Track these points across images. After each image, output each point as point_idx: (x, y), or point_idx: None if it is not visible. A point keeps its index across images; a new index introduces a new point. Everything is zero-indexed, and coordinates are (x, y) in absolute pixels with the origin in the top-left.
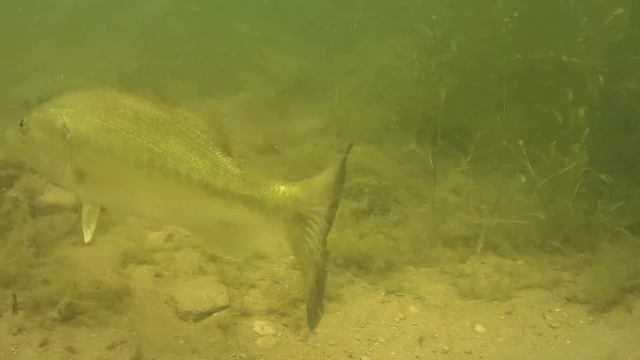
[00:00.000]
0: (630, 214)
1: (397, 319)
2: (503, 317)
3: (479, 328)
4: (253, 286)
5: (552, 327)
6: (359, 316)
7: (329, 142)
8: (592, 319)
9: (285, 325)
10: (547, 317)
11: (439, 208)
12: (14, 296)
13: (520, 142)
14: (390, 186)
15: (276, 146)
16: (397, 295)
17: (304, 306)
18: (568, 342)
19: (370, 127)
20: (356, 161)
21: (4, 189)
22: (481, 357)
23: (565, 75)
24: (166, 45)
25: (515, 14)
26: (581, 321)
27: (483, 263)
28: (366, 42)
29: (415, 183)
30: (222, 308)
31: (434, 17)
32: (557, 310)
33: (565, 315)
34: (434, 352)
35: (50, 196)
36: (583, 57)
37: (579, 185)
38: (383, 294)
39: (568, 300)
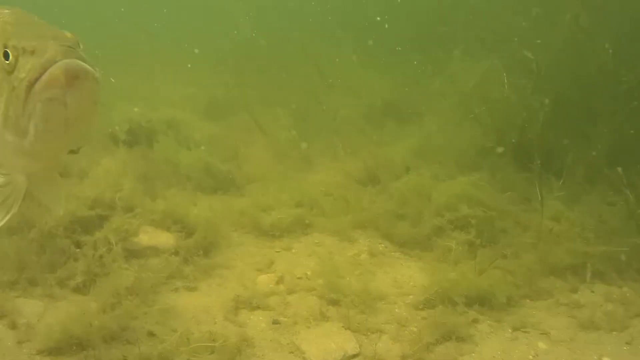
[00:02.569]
0: None
1: (531, 357)
2: (625, 348)
3: None
4: (381, 331)
5: None
6: (493, 356)
7: (431, 170)
8: None
9: None
10: None
11: (545, 237)
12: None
13: (619, 169)
14: (496, 216)
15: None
16: (523, 331)
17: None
18: None
19: (466, 152)
20: (460, 191)
21: (95, 231)
22: None
23: None
24: (252, 68)
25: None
26: None
27: (592, 292)
28: (456, 61)
29: (516, 211)
30: (354, 357)
31: (538, 41)
32: None
33: None
34: None
35: (146, 238)
36: None
37: None
38: (510, 331)
39: None
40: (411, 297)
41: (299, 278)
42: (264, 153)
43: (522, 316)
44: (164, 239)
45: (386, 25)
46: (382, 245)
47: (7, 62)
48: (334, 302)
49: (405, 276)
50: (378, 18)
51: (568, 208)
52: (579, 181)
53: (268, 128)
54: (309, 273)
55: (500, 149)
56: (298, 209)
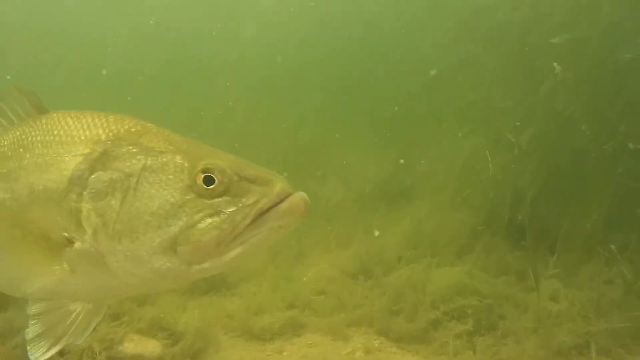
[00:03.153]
0: None
1: None
2: None
3: None
4: None
5: None
6: None
7: (424, 262)
8: None
9: None
10: None
11: (544, 319)
12: None
13: (613, 247)
14: (492, 303)
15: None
16: None
17: None
18: None
19: (457, 236)
20: (454, 281)
21: None
22: None
23: None
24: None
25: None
26: None
27: None
28: (441, 139)
29: (513, 293)
30: None
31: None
32: None
33: None
34: None
35: (131, 346)
36: None
37: None
38: None
39: None
40: None
41: None
42: None
43: None
44: (151, 347)
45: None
46: (378, 341)
47: (209, 187)
48: None
49: None
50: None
51: (565, 285)
52: (574, 256)
53: None
54: None
55: (491, 230)
56: (290, 310)
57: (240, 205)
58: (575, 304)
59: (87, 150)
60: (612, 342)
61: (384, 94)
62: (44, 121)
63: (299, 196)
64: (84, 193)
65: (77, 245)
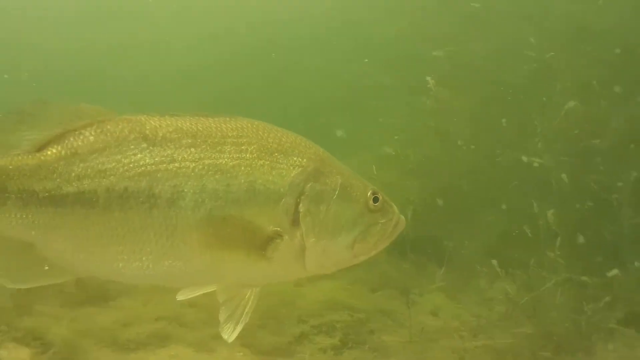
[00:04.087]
0: (620, 306)
1: None
2: None
3: None
4: None
5: None
6: None
7: None
8: None
9: None
10: None
11: (417, 335)
12: None
13: (494, 261)
14: (364, 318)
15: None
16: None
17: None
18: None
19: None
20: (326, 298)
21: None
22: None
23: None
24: None
25: None
26: None
27: None
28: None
29: (392, 307)
30: None
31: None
32: None
33: None
34: None
35: (5, 354)
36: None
37: (560, 292)
38: None
39: None
40: None
41: None
42: None
43: None
44: (22, 355)
45: None
46: (241, 354)
47: (376, 205)
48: None
49: None
50: None
51: (449, 299)
52: (461, 270)
53: None
54: None
55: None
56: (158, 322)
57: (388, 219)
58: (455, 319)
59: (304, 163)
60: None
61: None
62: (253, 126)
63: (403, 218)
64: (302, 197)
65: (286, 239)
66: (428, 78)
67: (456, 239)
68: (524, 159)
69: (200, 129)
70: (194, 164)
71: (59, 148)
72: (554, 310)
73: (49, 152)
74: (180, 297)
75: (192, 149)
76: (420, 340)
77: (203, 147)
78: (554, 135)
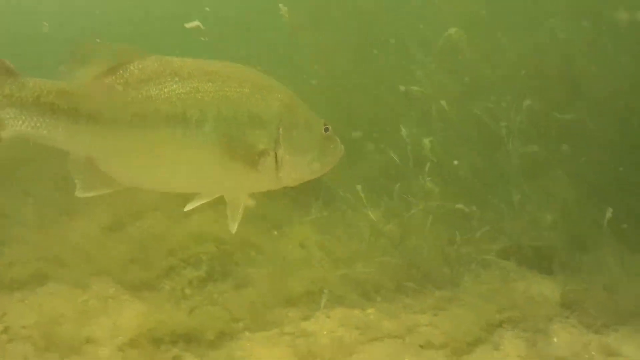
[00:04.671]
0: (501, 238)
1: None
2: None
3: None
4: None
5: None
6: None
7: (170, 211)
8: None
9: None
10: None
11: (280, 265)
12: None
13: (359, 186)
14: (231, 250)
15: None
16: None
17: None
18: None
19: None
20: (195, 230)
21: None
22: None
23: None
24: None
25: None
26: None
27: (329, 317)
28: None
29: (261, 240)
30: None
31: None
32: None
33: None
34: None
35: None
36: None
37: (432, 221)
38: None
39: (422, 347)
40: (120, 338)
41: (23, 327)
42: None
43: (231, 350)
44: None
45: None
46: (113, 289)
47: (326, 133)
48: (46, 349)
49: (125, 318)
50: None
51: (318, 231)
52: (335, 202)
53: None
54: (31, 322)
55: None
56: (38, 262)
57: (334, 145)
58: (321, 250)
59: (283, 99)
60: (351, 289)
61: None
62: (246, 70)
63: (342, 147)
64: (281, 124)
65: (271, 155)
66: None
67: (333, 172)
68: (402, 88)
69: (213, 69)
70: (212, 95)
71: (114, 79)
72: (423, 240)
73: (106, 82)
74: (187, 207)
75: (210, 84)
76: (282, 271)
77: (217, 82)
78: (436, 64)
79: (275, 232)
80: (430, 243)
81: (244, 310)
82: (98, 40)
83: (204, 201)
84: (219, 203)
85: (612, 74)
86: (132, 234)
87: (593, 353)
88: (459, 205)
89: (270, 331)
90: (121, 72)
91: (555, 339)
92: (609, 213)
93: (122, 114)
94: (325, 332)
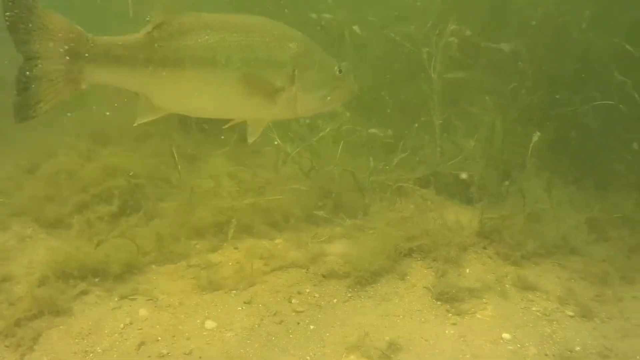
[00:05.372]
0: (421, 167)
1: (122, 326)
2: (240, 308)
3: (209, 324)
4: None
5: (297, 312)
6: (82, 327)
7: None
8: (350, 295)
9: (6, 346)
10: (294, 300)
11: (188, 198)
12: None
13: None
14: (144, 183)
15: None
16: (130, 299)
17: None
18: (312, 327)
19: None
20: (108, 165)
21: None
22: (200, 357)
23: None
24: None
25: None
26: (335, 300)
27: (236, 248)
28: None
29: (174, 174)
30: None
31: None
32: (307, 290)
33: (317, 295)
34: (149, 357)
35: None
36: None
37: (344, 147)
38: (116, 299)
39: (324, 277)
40: (35, 275)
41: None
42: None
43: (137, 283)
44: None
45: None
46: (31, 229)
47: (339, 74)
48: None
49: (40, 256)
50: None
51: (231, 162)
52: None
53: None
54: None
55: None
56: None
57: (346, 84)
58: (232, 180)
59: (298, 46)
60: (259, 219)
61: None
62: (266, 22)
63: (356, 85)
64: (297, 66)
65: (287, 90)
66: None
67: None
68: (314, 15)
69: (238, 22)
70: (237, 43)
71: (160, 32)
72: (334, 167)
73: (155, 35)
74: (226, 126)
75: (235, 34)
76: (191, 203)
77: (241, 33)
78: None
79: (188, 165)
80: (342, 170)
81: (152, 243)
82: None
83: (238, 121)
84: (127, 139)
85: None
86: (48, 172)
87: (507, 286)
88: (373, 130)
89: (177, 263)
90: (166, 26)
91: (467, 270)
92: (535, 137)
93: (167, 60)
94: (230, 264)
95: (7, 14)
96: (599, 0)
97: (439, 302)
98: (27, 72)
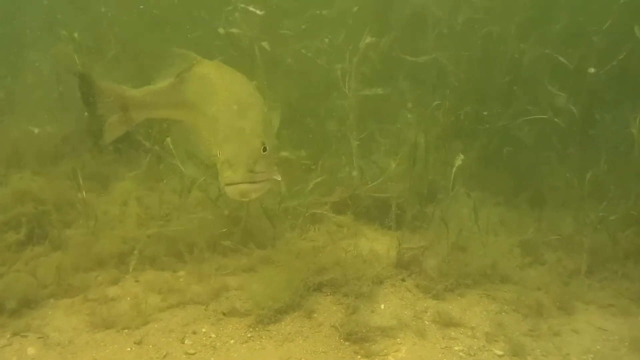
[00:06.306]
0: (337, 189)
1: None
2: (129, 349)
3: None
4: None
5: (189, 354)
6: None
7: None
8: (249, 335)
9: None
10: (187, 341)
11: (94, 225)
12: None
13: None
14: (51, 210)
15: None
16: (22, 336)
17: None
18: None
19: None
20: (15, 190)
21: None
22: None
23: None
24: None
25: None
26: (232, 341)
27: (137, 281)
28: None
29: (88, 199)
30: None
31: None
32: (203, 330)
33: (213, 335)
34: None
35: None
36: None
37: None
38: (8, 336)
39: (225, 314)
40: None
41: None
42: None
43: (31, 319)
44: None
45: None
46: None
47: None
48: None
49: None
50: None
51: (141, 187)
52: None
53: None
54: None
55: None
56: None
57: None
58: (140, 207)
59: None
60: (164, 249)
61: None
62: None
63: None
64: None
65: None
66: None
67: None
68: (221, 30)
69: (224, 88)
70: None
71: (178, 81)
72: None
73: (175, 83)
74: None
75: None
76: (96, 231)
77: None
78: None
79: (100, 188)
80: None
81: (52, 275)
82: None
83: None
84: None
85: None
86: None
87: (426, 322)
88: (284, 154)
89: (75, 297)
90: (182, 76)
91: (382, 306)
92: (459, 160)
93: (182, 102)
94: (128, 298)
95: (81, 89)
96: (525, 9)
97: (347, 343)
98: (97, 123)
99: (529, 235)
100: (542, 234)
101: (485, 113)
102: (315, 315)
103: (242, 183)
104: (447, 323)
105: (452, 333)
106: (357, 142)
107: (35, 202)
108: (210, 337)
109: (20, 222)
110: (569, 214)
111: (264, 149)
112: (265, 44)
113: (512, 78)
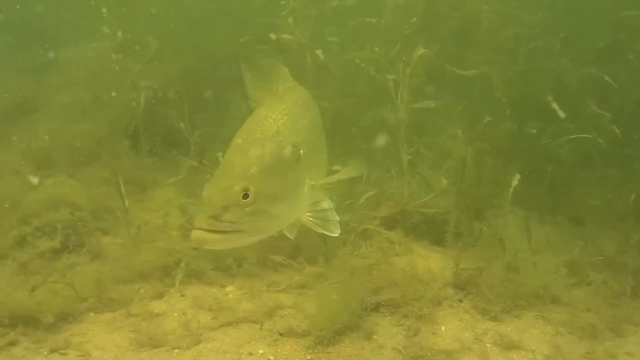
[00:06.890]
0: (387, 204)
1: None
2: None
3: None
4: None
5: None
6: None
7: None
8: (309, 357)
9: None
10: None
11: (137, 234)
12: None
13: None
14: (88, 216)
15: None
16: (61, 353)
17: None
18: None
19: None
20: (49, 195)
21: None
22: None
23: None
24: None
25: None
26: None
27: (183, 296)
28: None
29: (119, 205)
30: None
31: None
32: (261, 351)
33: (271, 357)
34: None
35: None
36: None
37: None
38: (45, 353)
39: (282, 335)
40: None
41: None
42: None
43: (71, 335)
44: None
45: None
46: None
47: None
48: None
49: None
50: None
51: (182, 195)
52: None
53: None
54: None
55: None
56: None
57: None
58: (182, 216)
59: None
60: (210, 262)
61: None
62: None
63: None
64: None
65: None
66: None
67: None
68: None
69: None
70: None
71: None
72: None
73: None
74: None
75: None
76: (137, 241)
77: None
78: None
79: (137, 195)
80: None
81: (92, 287)
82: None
83: None
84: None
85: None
86: None
87: (487, 345)
88: (336, 167)
89: (117, 312)
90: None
91: (442, 328)
92: (515, 180)
93: None
94: (175, 314)
95: None
96: (570, 24)
97: None
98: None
99: (574, 255)
100: (586, 255)
101: (534, 131)
102: (375, 336)
103: (200, 229)
104: (508, 346)
105: (514, 356)
106: (409, 157)
107: (71, 207)
108: (269, 358)
109: (54, 229)
110: (610, 235)
111: (245, 196)
112: (319, 52)
113: (555, 95)
